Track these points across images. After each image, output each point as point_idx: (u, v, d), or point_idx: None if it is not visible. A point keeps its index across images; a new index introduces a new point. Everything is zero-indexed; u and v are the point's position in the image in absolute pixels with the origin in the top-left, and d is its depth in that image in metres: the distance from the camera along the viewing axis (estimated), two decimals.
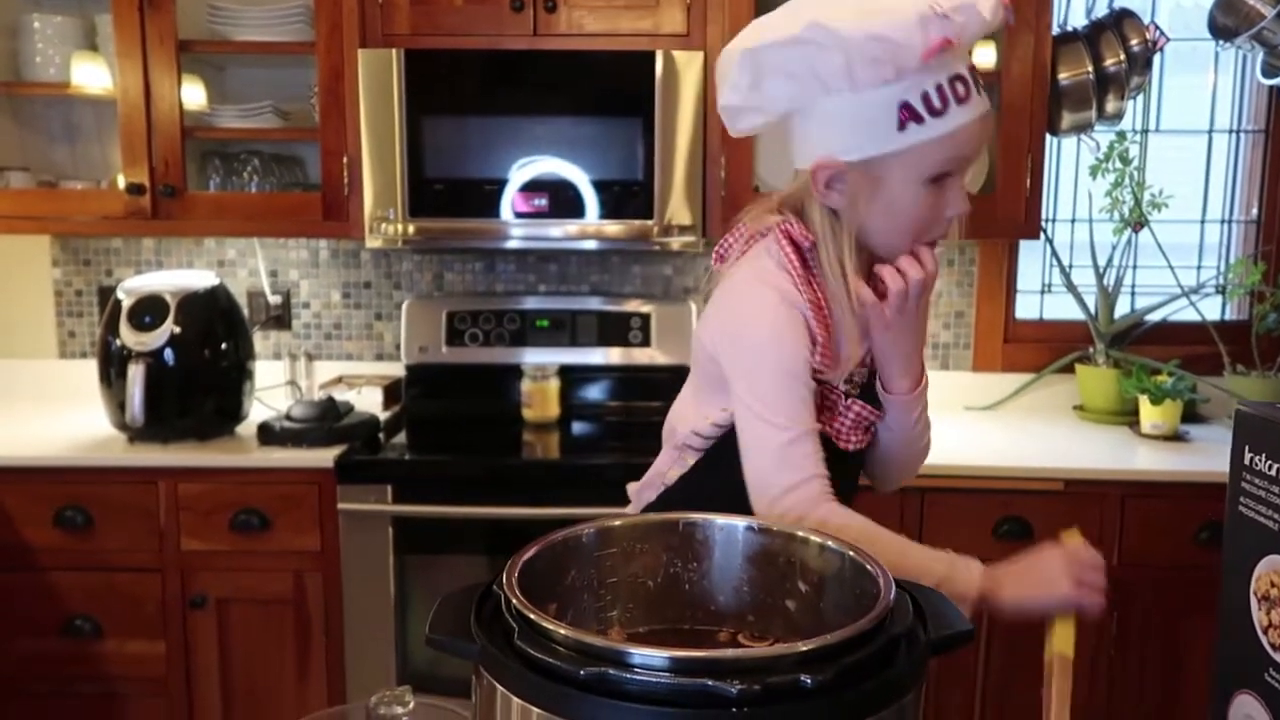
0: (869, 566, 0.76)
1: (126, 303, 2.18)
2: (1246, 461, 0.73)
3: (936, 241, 1.12)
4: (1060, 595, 1.00)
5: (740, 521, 0.86)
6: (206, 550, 2.12)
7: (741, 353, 1.09)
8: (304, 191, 2.44)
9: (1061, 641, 0.95)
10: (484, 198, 2.21)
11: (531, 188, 2.19)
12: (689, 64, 2.14)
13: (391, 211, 2.20)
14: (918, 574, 0.94)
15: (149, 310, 2.17)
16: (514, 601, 0.69)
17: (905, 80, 1.01)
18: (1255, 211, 2.60)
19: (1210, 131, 2.62)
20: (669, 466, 1.22)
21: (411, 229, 2.21)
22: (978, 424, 2.42)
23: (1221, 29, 2.32)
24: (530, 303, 2.54)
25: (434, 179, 2.21)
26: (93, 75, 2.32)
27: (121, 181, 2.28)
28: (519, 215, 2.20)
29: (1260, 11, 2.25)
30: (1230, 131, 2.62)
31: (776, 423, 1.05)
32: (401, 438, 2.33)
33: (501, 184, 2.19)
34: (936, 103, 1.02)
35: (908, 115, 1.02)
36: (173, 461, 2.11)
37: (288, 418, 2.22)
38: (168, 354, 2.16)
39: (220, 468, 2.10)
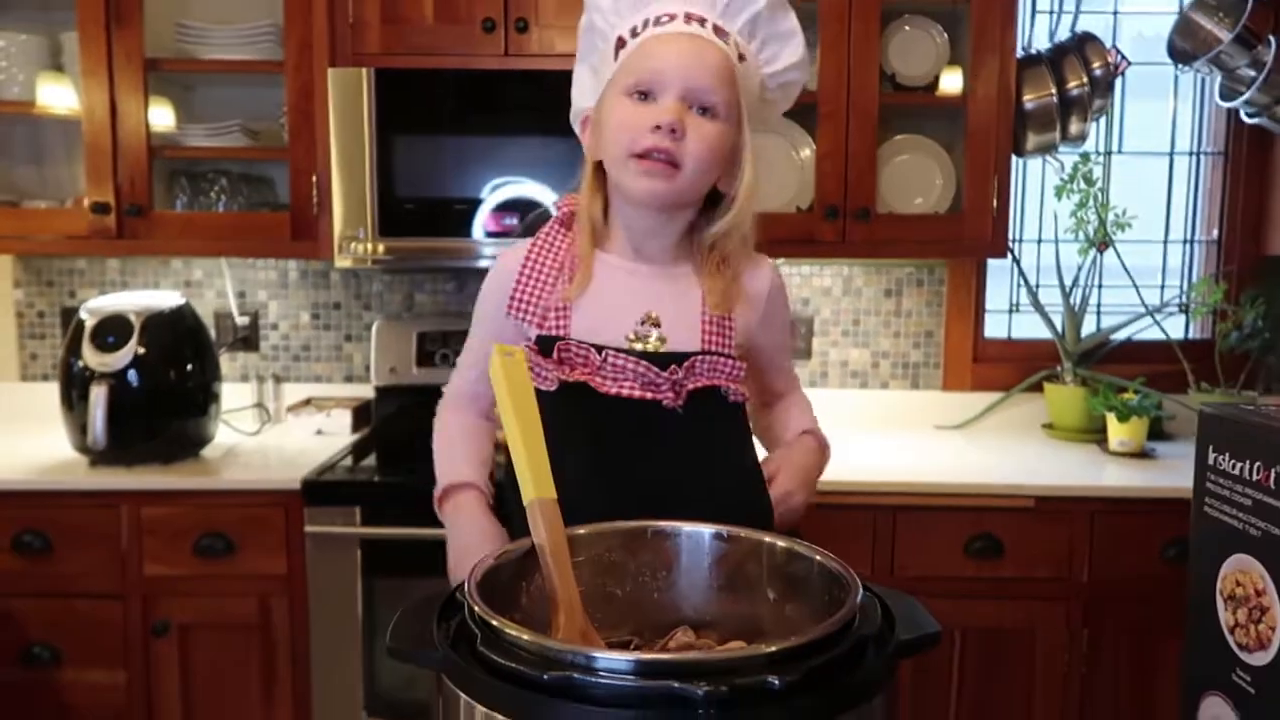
0: (838, 570, 0.75)
1: (90, 323, 2.14)
2: (1210, 461, 0.73)
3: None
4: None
5: (707, 529, 0.86)
6: (170, 575, 2.07)
7: None
8: (272, 211, 2.42)
9: None
10: (455, 217, 2.20)
11: (503, 207, 2.19)
12: None
13: (361, 231, 2.19)
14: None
15: (112, 330, 2.14)
16: (476, 609, 0.67)
17: (623, 21, 1.16)
18: (1216, 232, 2.65)
19: (1171, 154, 2.67)
20: None
21: (381, 248, 2.20)
22: (948, 442, 2.43)
23: (1180, 53, 2.37)
24: None
25: (405, 198, 2.20)
26: (58, 95, 2.29)
27: (87, 201, 2.25)
28: (490, 235, 2.19)
29: (1217, 36, 2.30)
30: (1191, 154, 2.67)
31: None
32: (371, 459, 2.30)
33: (473, 203, 2.19)
34: (641, 30, 1.14)
35: (620, 45, 1.15)
36: (135, 484, 2.06)
37: None
38: (131, 375, 2.12)
39: (184, 490, 2.06)
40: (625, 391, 1.11)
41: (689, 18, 1.12)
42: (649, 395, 1.12)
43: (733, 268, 1.20)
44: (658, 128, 1.08)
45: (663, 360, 1.14)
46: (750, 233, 1.20)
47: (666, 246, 1.19)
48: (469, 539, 1.18)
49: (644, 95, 1.11)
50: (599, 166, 1.19)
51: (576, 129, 1.26)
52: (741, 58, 1.15)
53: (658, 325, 1.16)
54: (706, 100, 1.10)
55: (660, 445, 1.13)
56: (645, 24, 1.13)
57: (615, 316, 1.16)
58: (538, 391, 1.10)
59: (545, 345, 1.15)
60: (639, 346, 1.15)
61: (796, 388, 1.40)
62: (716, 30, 1.13)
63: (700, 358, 1.15)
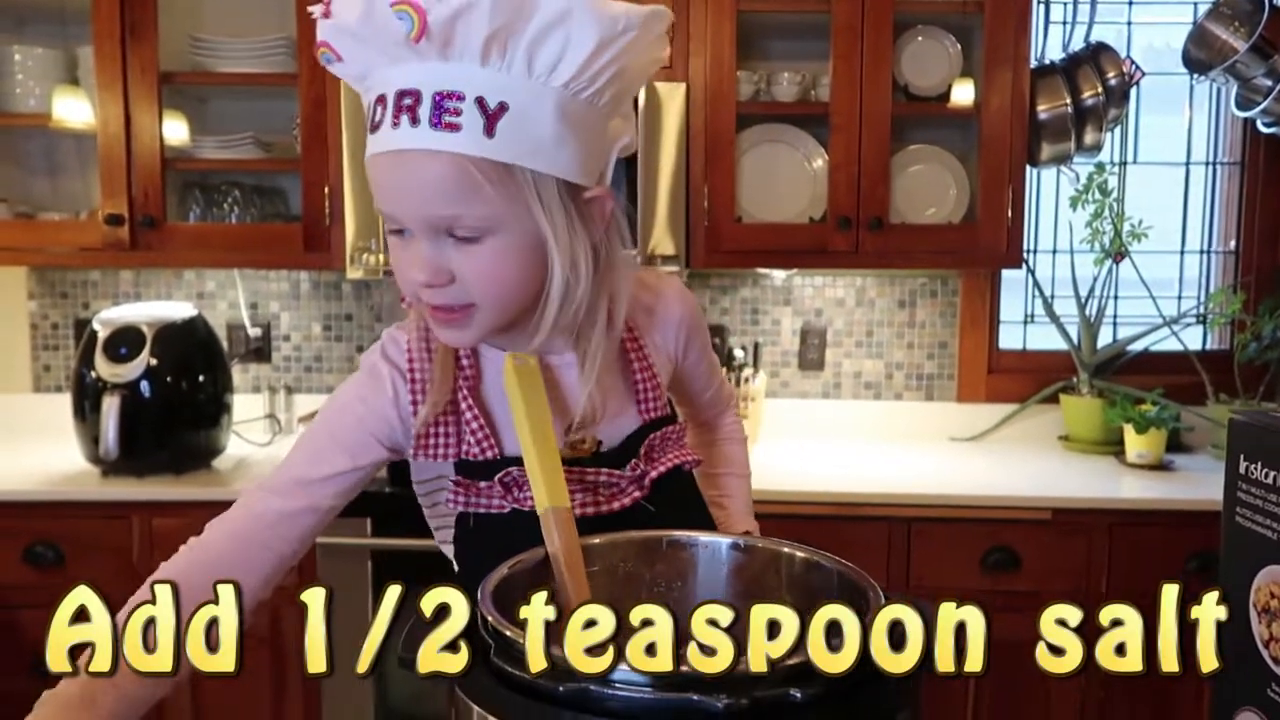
0: (860, 581, 0.74)
1: (102, 334, 2.15)
2: (1242, 470, 0.72)
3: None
4: None
5: (725, 539, 0.84)
6: None
7: None
8: (285, 223, 2.43)
9: None
10: None
11: None
12: (672, 95, 2.15)
13: (373, 242, 2.19)
14: None
15: (125, 341, 2.14)
16: (490, 619, 0.66)
17: (371, 76, 0.83)
18: (1233, 243, 2.62)
19: (1187, 164, 2.65)
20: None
21: None
22: (963, 455, 2.41)
23: (1196, 63, 2.36)
24: None
25: None
26: (74, 108, 2.31)
27: (100, 213, 2.26)
28: None
29: (1233, 45, 2.29)
30: (1206, 164, 2.65)
31: None
32: (382, 470, 2.29)
33: None
34: (376, 115, 0.83)
35: (371, 123, 0.84)
36: (147, 495, 2.06)
37: None
38: (144, 386, 2.12)
39: (195, 501, 2.06)
40: (592, 510, 0.94)
41: (399, 105, 0.80)
42: (617, 506, 0.95)
43: (612, 331, 0.95)
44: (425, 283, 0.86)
45: (603, 460, 0.97)
46: (630, 286, 0.96)
47: (545, 345, 0.93)
48: None
49: (398, 231, 0.87)
50: None
51: None
52: (502, 109, 0.79)
53: (588, 424, 0.97)
54: (456, 227, 0.83)
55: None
56: (383, 105, 0.81)
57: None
58: (484, 514, 0.96)
59: (473, 471, 0.96)
60: (583, 448, 0.97)
61: (729, 406, 1.21)
62: (437, 105, 0.79)
63: (654, 435, 0.99)
